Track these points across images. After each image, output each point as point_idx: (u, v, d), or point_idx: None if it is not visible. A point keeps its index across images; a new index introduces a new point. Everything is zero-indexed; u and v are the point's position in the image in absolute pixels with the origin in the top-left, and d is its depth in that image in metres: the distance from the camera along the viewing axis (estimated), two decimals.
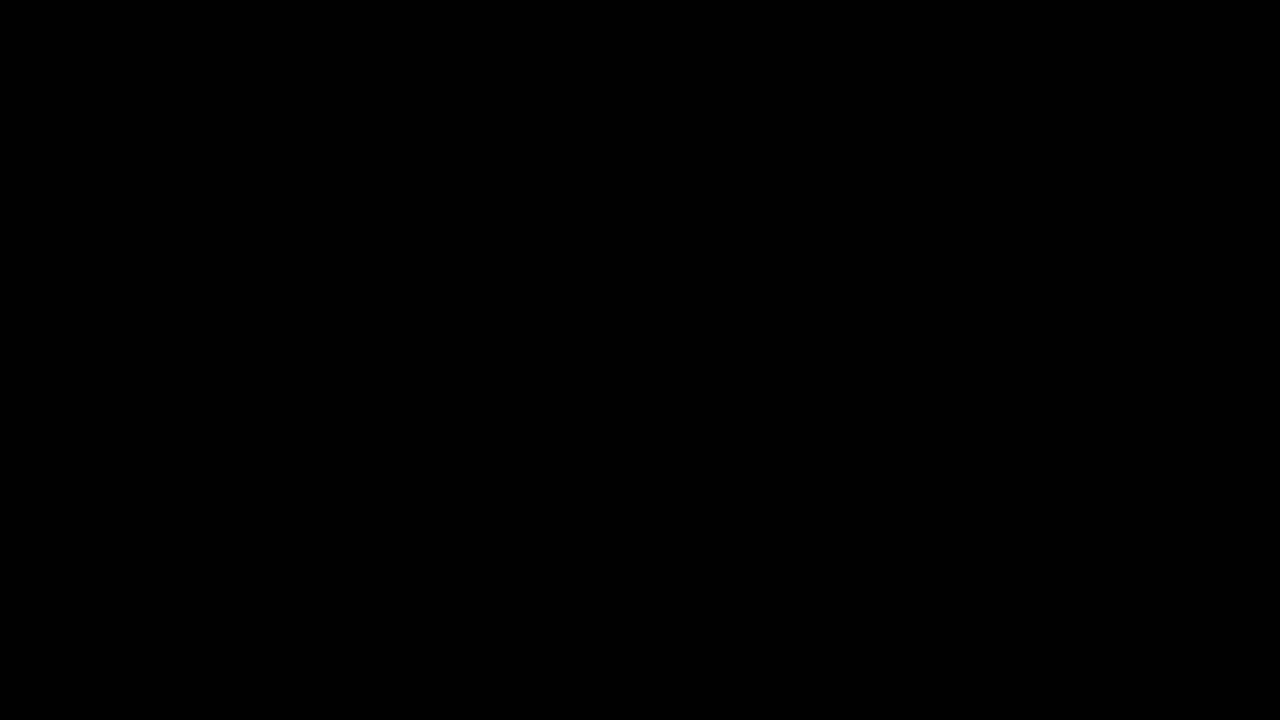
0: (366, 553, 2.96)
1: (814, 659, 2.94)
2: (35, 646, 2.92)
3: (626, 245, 3.01)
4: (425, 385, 2.99)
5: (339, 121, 3.03)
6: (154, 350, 2.98)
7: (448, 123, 3.03)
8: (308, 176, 3.02)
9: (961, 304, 2.98)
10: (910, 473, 2.96)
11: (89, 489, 2.95)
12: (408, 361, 2.99)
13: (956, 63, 3.01)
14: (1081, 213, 2.99)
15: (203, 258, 3.00)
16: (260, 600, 2.94)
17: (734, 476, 2.97)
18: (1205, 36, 2.98)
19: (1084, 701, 2.92)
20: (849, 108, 3.01)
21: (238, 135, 3.02)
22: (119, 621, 2.94)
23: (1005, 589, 2.94)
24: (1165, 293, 2.97)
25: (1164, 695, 2.91)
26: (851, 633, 2.94)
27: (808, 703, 2.94)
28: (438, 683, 2.94)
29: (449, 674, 2.94)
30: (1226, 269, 2.97)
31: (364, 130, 3.03)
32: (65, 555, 2.95)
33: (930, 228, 3.00)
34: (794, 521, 2.97)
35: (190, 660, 2.93)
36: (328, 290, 3.00)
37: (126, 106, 3.02)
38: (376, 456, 2.98)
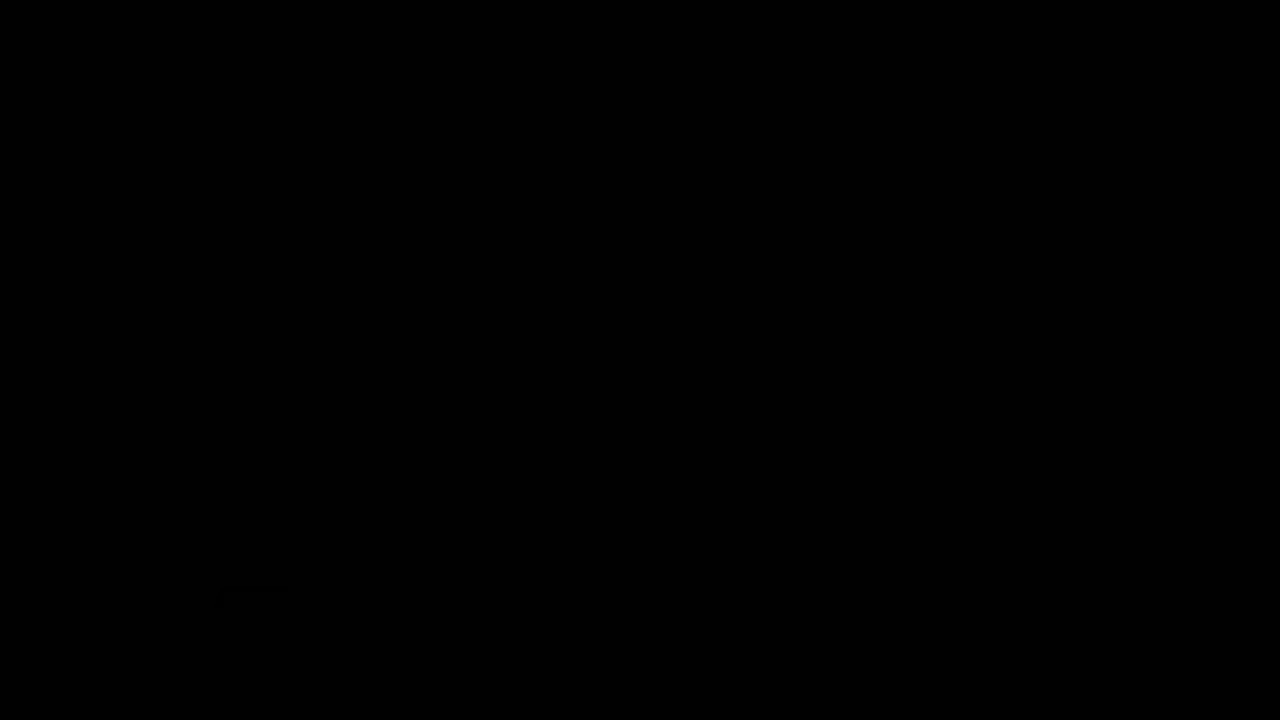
0: (366, 553, 2.96)
1: (814, 659, 2.94)
2: (35, 646, 2.92)
3: (626, 245, 3.01)
4: (425, 385, 2.99)
5: (339, 121, 3.03)
6: (154, 350, 2.98)
7: (448, 123, 3.03)
8: (308, 176, 3.02)
9: (961, 304, 2.98)
10: (910, 473, 2.96)
11: (89, 489, 2.95)
12: (407, 361, 2.99)
13: (956, 63, 3.01)
14: (1081, 213, 2.99)
15: (203, 258, 3.00)
16: (260, 600, 2.94)
17: (734, 476, 2.97)
18: (1205, 36, 2.99)
19: (1084, 702, 2.92)
20: (849, 108, 3.02)
21: (238, 135, 3.02)
22: (119, 621, 2.94)
23: (1005, 589, 2.94)
24: (1165, 293, 2.97)
25: (1164, 695, 2.91)
26: (851, 633, 2.94)
27: (808, 703, 2.94)
28: (438, 683, 2.94)
29: (449, 674, 2.94)
30: (1226, 269, 2.97)
31: (364, 130, 3.03)
32: (65, 555, 2.94)
33: (930, 228, 3.00)
34: (794, 521, 2.97)
35: (190, 660, 2.93)
36: (328, 290, 3.00)
37: (126, 107, 3.01)
38: (376, 456, 2.97)
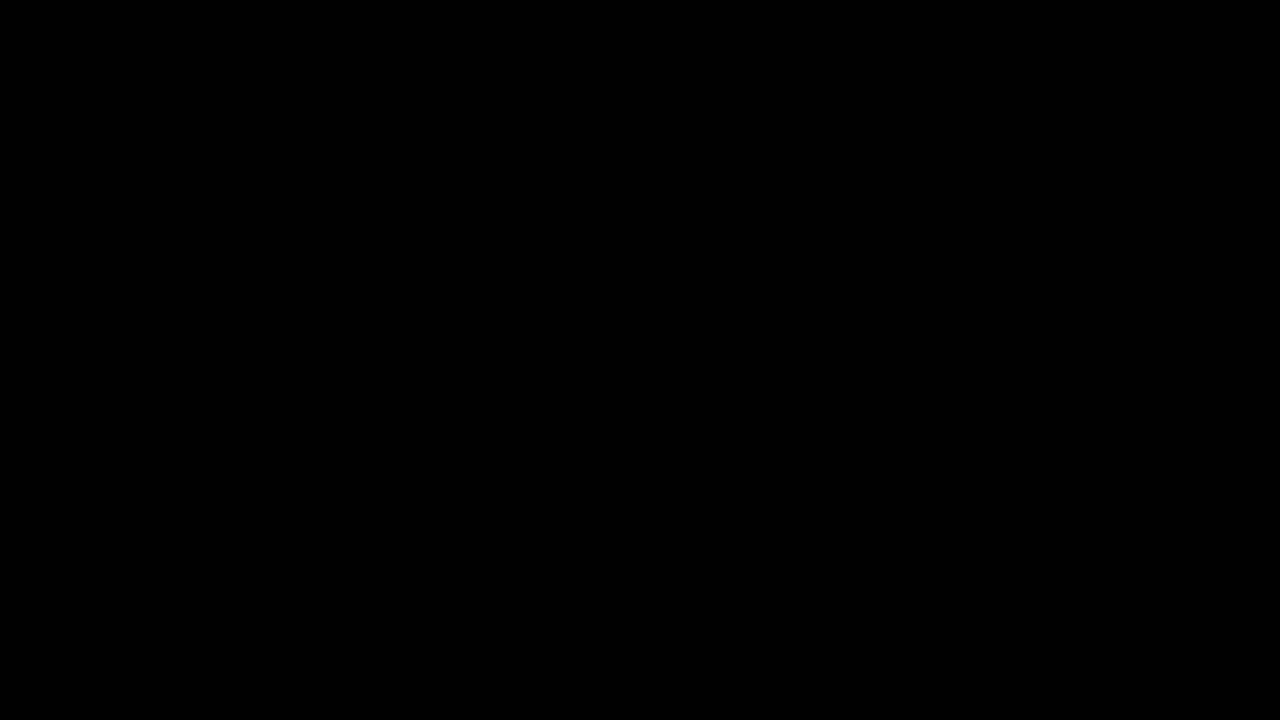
0: (366, 553, 2.96)
1: (814, 659, 2.94)
2: (35, 646, 2.92)
3: (626, 245, 3.01)
4: (425, 385, 2.99)
5: (339, 121, 3.02)
6: (154, 350, 2.98)
7: (448, 123, 3.03)
8: (308, 176, 3.02)
9: (961, 304, 2.98)
10: (910, 473, 2.96)
11: (89, 489, 2.95)
12: (407, 361, 2.99)
13: (956, 63, 3.01)
14: (1081, 213, 2.99)
15: (203, 257, 3.00)
16: (260, 600, 2.94)
17: (734, 477, 2.97)
18: (1205, 36, 2.98)
19: (1084, 702, 2.92)
20: (849, 108, 3.01)
21: (238, 135, 3.02)
22: (119, 621, 2.93)
23: (1005, 589, 2.94)
24: (1165, 293, 2.97)
25: (1164, 695, 2.91)
26: (851, 633, 2.94)
27: (808, 703, 2.93)
28: (438, 683, 2.94)
29: (449, 674, 2.94)
30: (1226, 269, 2.97)
31: (364, 130, 3.02)
32: (65, 555, 2.94)
33: (930, 228, 3.00)
34: (794, 521, 2.96)
35: (190, 660, 2.92)
36: (327, 290, 3.00)
37: (126, 106, 3.01)
38: (376, 456, 2.97)
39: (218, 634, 2.93)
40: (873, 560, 2.95)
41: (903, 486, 2.96)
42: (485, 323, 3.00)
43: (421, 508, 2.97)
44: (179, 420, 2.97)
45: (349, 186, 3.02)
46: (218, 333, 2.99)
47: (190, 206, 3.01)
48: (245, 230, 3.01)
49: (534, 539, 2.97)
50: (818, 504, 2.96)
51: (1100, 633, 2.92)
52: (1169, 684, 2.91)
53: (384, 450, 2.98)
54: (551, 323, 3.00)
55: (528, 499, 2.97)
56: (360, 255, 3.01)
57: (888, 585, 2.95)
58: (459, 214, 3.02)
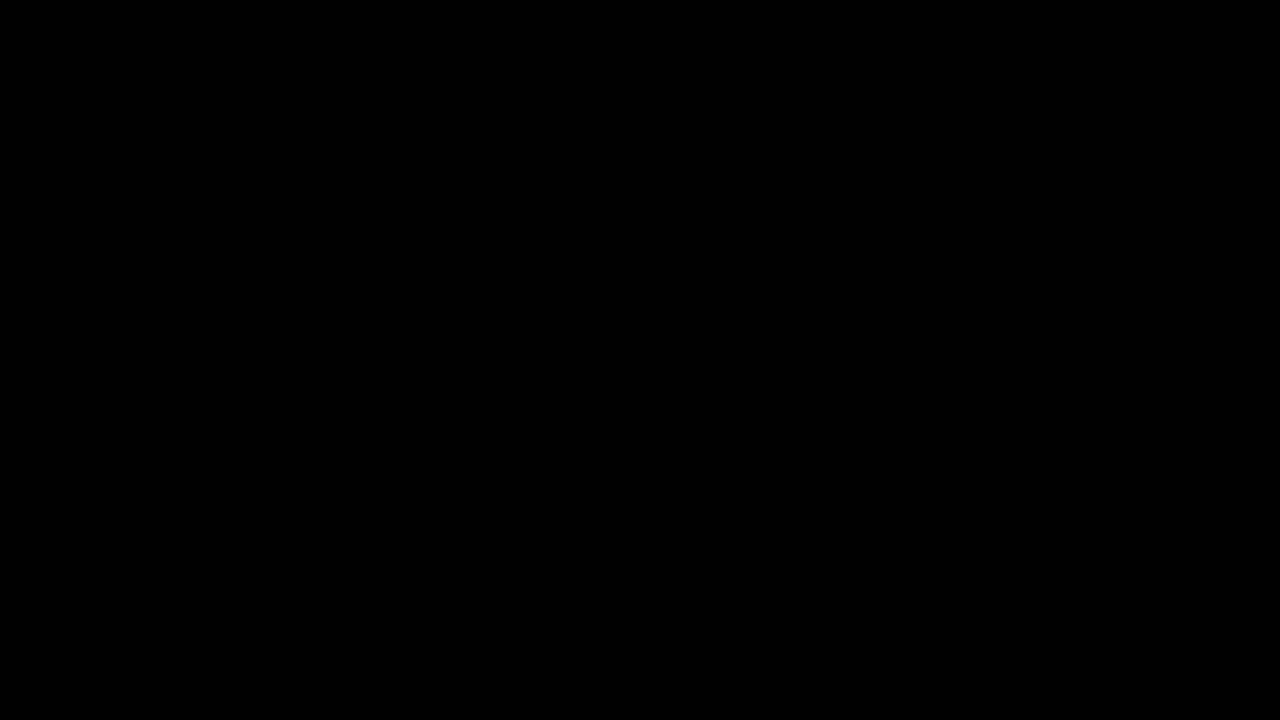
0: (366, 553, 2.96)
1: (814, 659, 2.93)
2: (35, 646, 2.93)
3: (627, 246, 3.02)
4: (424, 385, 2.99)
5: (339, 122, 3.03)
6: (154, 350, 2.99)
7: (448, 123, 3.04)
8: (306, 176, 3.02)
9: (961, 304, 2.98)
10: (910, 473, 2.96)
11: (89, 489, 2.96)
12: (407, 361, 2.99)
13: (956, 63, 3.00)
14: (1082, 214, 2.98)
15: (201, 257, 3.01)
16: (260, 600, 2.95)
17: (735, 477, 2.97)
18: (1205, 36, 2.97)
19: (1084, 702, 2.91)
20: (850, 108, 3.01)
21: (238, 135, 3.03)
22: (119, 621, 2.94)
23: (1005, 589, 2.93)
24: (1166, 293, 2.96)
25: (1164, 695, 2.90)
26: (851, 633, 2.94)
27: (808, 703, 2.93)
28: (438, 683, 2.94)
29: (449, 674, 2.94)
30: (1227, 269, 2.96)
31: (364, 130, 3.03)
32: (65, 555, 2.95)
33: (930, 228, 2.99)
34: (795, 522, 2.96)
35: (190, 660, 2.93)
36: (327, 290, 3.01)
37: (126, 106, 3.03)
38: (376, 456, 2.98)
39: (217, 634, 2.94)
40: (873, 560, 2.95)
41: (903, 486, 2.96)
42: (485, 322, 3.00)
43: (421, 508, 2.98)
44: (178, 419, 2.98)
45: (348, 186, 3.03)
46: (216, 332, 3.00)
47: (189, 205, 3.02)
48: (243, 230, 3.01)
49: (534, 539, 2.97)
50: (818, 504, 2.96)
51: (1100, 633, 2.91)
52: (1169, 684, 2.90)
53: (383, 450, 2.98)
54: (551, 323, 3.00)
55: (528, 499, 2.97)
56: (359, 254, 3.02)
57: (888, 585, 2.95)
58: (459, 214, 3.03)
